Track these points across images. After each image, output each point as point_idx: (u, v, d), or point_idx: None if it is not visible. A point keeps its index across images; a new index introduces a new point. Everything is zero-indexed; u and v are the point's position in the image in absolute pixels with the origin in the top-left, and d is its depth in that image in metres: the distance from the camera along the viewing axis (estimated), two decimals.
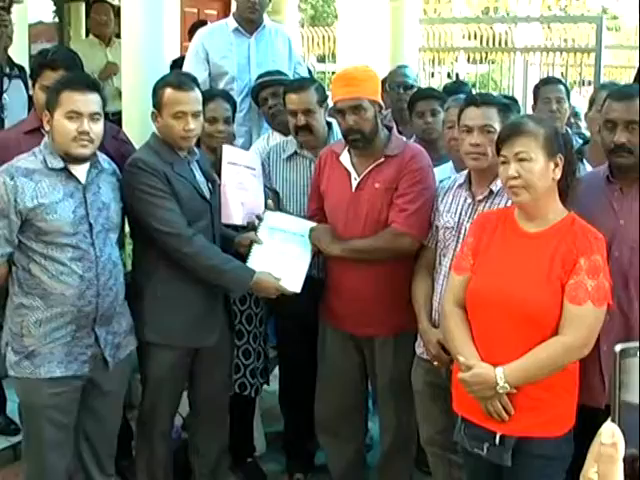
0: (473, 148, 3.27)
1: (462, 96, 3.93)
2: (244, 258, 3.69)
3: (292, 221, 3.84)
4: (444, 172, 3.83)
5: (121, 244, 3.82)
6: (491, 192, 3.29)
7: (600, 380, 3.09)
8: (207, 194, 3.62)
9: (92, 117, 3.21)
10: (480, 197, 3.32)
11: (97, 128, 3.24)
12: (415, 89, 5.23)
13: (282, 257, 3.71)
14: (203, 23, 7.39)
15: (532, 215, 2.90)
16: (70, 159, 3.22)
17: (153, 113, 3.57)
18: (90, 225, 3.26)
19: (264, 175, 4.14)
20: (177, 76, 3.73)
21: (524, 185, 2.83)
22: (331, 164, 3.76)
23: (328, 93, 4.19)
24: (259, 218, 3.79)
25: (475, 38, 10.46)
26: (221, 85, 4.84)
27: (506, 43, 10.51)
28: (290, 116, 4.07)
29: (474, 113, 3.31)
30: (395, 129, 3.78)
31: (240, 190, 3.95)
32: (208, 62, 4.94)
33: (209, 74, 4.89)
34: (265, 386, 4.40)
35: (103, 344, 3.35)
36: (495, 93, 6.10)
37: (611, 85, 4.70)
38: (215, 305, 3.68)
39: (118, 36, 6.95)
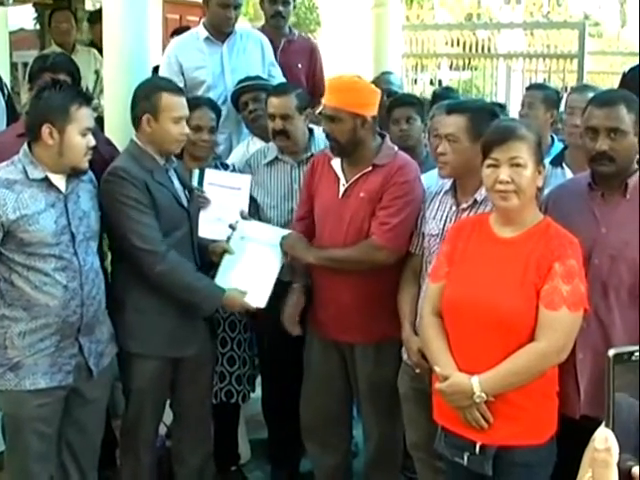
0: (439, 156, 3.33)
1: (444, 103, 3.92)
2: (217, 266, 3.70)
3: (265, 230, 3.84)
4: (431, 179, 3.81)
5: (103, 253, 3.80)
6: (475, 201, 3.28)
7: (575, 389, 3.05)
8: (185, 202, 3.61)
9: (91, 130, 3.29)
10: (464, 205, 3.31)
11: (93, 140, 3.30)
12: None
13: (251, 268, 3.69)
14: (185, 29, 7.38)
15: (512, 220, 2.89)
16: (68, 171, 3.23)
17: (140, 118, 3.52)
18: (72, 235, 3.24)
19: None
20: (168, 81, 3.76)
21: (515, 190, 2.82)
22: (322, 168, 3.77)
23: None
24: (232, 227, 3.78)
25: (458, 44, 10.46)
26: (199, 94, 4.83)
27: (489, 49, 10.51)
28: (269, 119, 4.09)
29: (443, 121, 3.35)
30: (388, 138, 3.77)
31: (218, 207, 3.95)
32: (182, 74, 4.94)
33: (185, 85, 4.87)
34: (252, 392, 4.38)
35: (87, 353, 3.33)
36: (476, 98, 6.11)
37: (582, 88, 4.70)
38: (195, 314, 3.65)
39: (91, 45, 6.96)
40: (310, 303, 3.88)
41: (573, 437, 2.77)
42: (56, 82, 3.34)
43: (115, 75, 4.35)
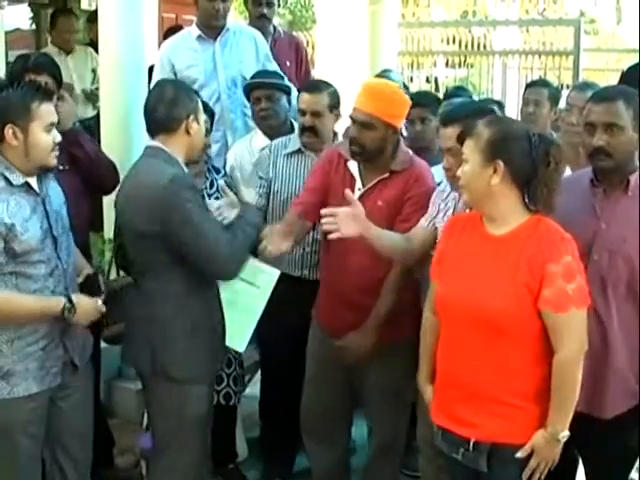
0: (446, 171, 3.28)
1: (456, 100, 3.87)
2: None
3: (251, 268, 3.59)
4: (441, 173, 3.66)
5: (100, 250, 3.78)
6: None
7: None
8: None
9: (54, 126, 3.20)
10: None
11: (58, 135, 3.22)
12: None
13: (231, 309, 3.52)
14: (179, 28, 7.38)
15: (492, 217, 2.85)
16: (36, 171, 3.16)
17: (183, 120, 3.29)
18: (54, 237, 3.19)
19: (262, 169, 4.15)
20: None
21: (462, 185, 2.85)
22: (338, 166, 3.71)
23: None
24: None
25: (454, 42, 10.47)
26: None
27: (485, 47, 10.53)
28: (299, 115, 4.08)
29: (442, 134, 3.29)
30: (402, 142, 3.73)
31: None
32: (175, 74, 4.94)
33: None
34: (247, 391, 4.38)
35: (72, 352, 3.30)
36: (476, 98, 6.10)
37: (583, 86, 4.71)
38: (224, 325, 3.53)
39: (91, 45, 6.95)
40: (316, 299, 3.87)
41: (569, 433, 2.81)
42: (16, 83, 3.23)
43: (111, 74, 4.36)
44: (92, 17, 7.41)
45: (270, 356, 4.38)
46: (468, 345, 2.83)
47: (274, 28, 5.89)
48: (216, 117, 4.58)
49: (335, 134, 4.19)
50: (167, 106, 3.29)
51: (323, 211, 3.23)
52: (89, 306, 3.22)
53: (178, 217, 3.13)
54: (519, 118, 4.88)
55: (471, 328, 2.80)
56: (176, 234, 3.16)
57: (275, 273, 3.67)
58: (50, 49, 7.04)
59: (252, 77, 4.70)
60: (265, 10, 5.65)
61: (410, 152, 3.74)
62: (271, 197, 4.19)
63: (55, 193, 3.29)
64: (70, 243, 3.33)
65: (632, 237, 3.00)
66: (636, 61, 4.87)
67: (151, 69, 5.04)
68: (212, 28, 5.03)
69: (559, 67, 9.45)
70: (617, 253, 3.04)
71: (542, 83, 5.26)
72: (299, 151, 4.17)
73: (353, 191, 3.51)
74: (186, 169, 3.36)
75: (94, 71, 6.98)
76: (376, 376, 3.72)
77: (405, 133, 4.72)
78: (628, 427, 3.12)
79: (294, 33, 6.63)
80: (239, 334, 3.60)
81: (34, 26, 9.26)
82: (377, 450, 3.94)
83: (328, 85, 4.20)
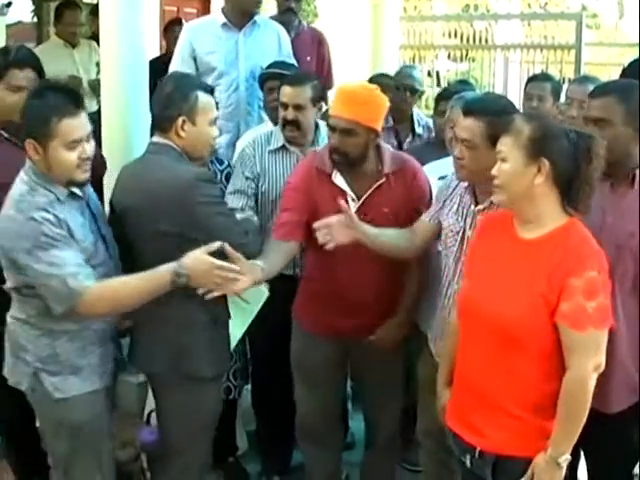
0: (457, 160, 3.18)
1: (467, 94, 3.83)
2: None
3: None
4: (447, 165, 3.57)
5: None
6: (491, 203, 3.12)
7: None
8: None
9: (88, 138, 3.02)
10: (481, 207, 3.20)
11: (92, 146, 3.05)
12: (419, 93, 5.40)
13: None
14: (178, 21, 7.38)
15: (525, 219, 2.75)
16: (65, 184, 3.02)
17: (174, 120, 3.23)
18: (103, 238, 3.17)
19: (247, 168, 4.07)
20: (199, 79, 3.56)
21: (500, 185, 2.72)
22: (320, 184, 3.57)
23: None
24: None
25: (455, 36, 10.44)
26: (209, 81, 4.73)
27: (486, 41, 10.49)
28: (281, 108, 4.01)
29: (460, 122, 3.16)
30: (382, 141, 3.67)
31: None
32: (195, 59, 4.93)
33: (197, 70, 4.88)
34: (246, 385, 4.38)
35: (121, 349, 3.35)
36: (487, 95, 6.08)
37: (582, 79, 4.69)
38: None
39: (94, 38, 6.93)
40: (298, 296, 3.83)
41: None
42: (48, 87, 3.07)
43: (112, 68, 4.34)
44: (95, 10, 7.38)
45: (260, 352, 4.36)
46: (482, 351, 2.76)
47: (299, 22, 5.89)
48: (232, 107, 4.56)
49: (317, 126, 4.15)
50: (161, 104, 3.28)
51: (316, 224, 3.20)
52: (201, 266, 2.97)
53: (195, 211, 3.11)
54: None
55: (486, 333, 2.74)
56: (198, 231, 3.12)
57: (264, 292, 3.60)
58: (54, 42, 7.03)
59: (267, 67, 4.68)
60: (293, 4, 5.70)
61: (390, 148, 3.71)
62: (259, 197, 4.10)
63: (90, 191, 3.23)
64: (113, 241, 3.27)
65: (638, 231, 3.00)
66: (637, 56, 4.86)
67: (152, 62, 5.03)
68: (243, 15, 4.99)
69: (561, 61, 9.41)
70: (625, 248, 3.03)
71: (544, 77, 5.24)
72: (283, 148, 4.11)
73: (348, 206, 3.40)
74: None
75: (98, 64, 6.97)
76: (379, 370, 3.71)
77: (431, 126, 4.73)
78: (629, 423, 3.12)
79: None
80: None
81: (36, 19, 9.24)
82: (377, 446, 3.93)
83: (310, 78, 4.15)
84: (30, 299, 3.05)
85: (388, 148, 3.69)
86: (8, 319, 3.20)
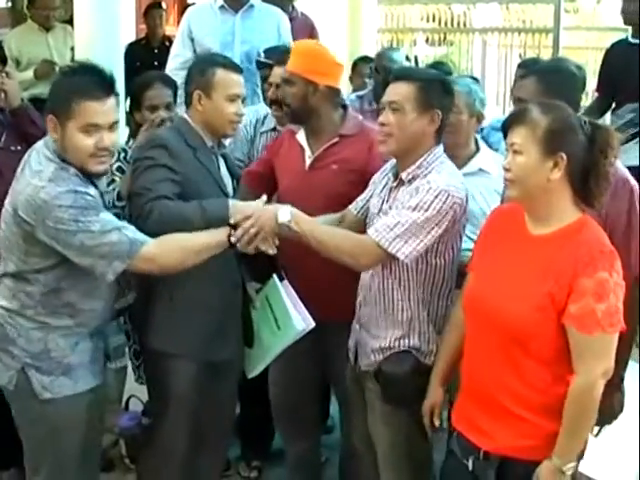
0: (380, 128, 3.03)
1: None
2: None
3: (285, 306, 3.30)
4: None
5: None
6: (401, 180, 3.03)
7: None
8: (230, 191, 3.38)
9: (111, 127, 2.85)
10: (394, 184, 3.11)
11: (115, 138, 2.90)
12: None
13: (259, 334, 3.44)
14: (158, 4, 7.33)
15: (536, 214, 2.62)
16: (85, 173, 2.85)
17: (191, 94, 3.26)
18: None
19: (238, 149, 4.11)
20: (223, 57, 3.50)
21: (513, 179, 2.57)
22: (289, 142, 3.68)
23: None
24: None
25: (434, 20, 10.48)
26: None
27: (464, 24, 10.54)
28: (273, 89, 4.03)
29: (389, 88, 3.08)
30: (350, 109, 3.70)
31: None
32: (192, 40, 4.96)
33: (194, 52, 4.89)
34: None
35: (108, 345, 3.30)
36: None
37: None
38: (235, 310, 3.45)
39: (70, 22, 6.87)
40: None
41: None
42: (81, 67, 2.91)
43: (86, 52, 4.32)
44: None
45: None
46: (488, 349, 2.65)
47: (292, 7, 5.96)
48: None
49: None
50: (185, 81, 3.37)
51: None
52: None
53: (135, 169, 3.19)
54: (504, 96, 4.86)
55: (492, 331, 2.63)
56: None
57: (298, 329, 3.24)
58: (29, 25, 6.95)
59: (265, 51, 4.66)
60: None
61: (360, 117, 3.72)
62: None
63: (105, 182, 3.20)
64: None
65: None
66: (616, 39, 4.87)
67: (132, 45, 5.00)
68: (239, 1, 5.03)
69: (539, 45, 9.46)
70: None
71: (533, 63, 5.22)
72: (274, 129, 4.13)
73: (304, 160, 3.54)
74: (209, 142, 3.29)
75: (73, 49, 6.90)
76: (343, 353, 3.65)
77: None
78: None
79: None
80: (252, 363, 3.52)
81: (10, 4, 9.16)
82: (353, 445, 3.86)
83: None
84: (31, 286, 2.92)
85: (356, 116, 3.71)
86: None
